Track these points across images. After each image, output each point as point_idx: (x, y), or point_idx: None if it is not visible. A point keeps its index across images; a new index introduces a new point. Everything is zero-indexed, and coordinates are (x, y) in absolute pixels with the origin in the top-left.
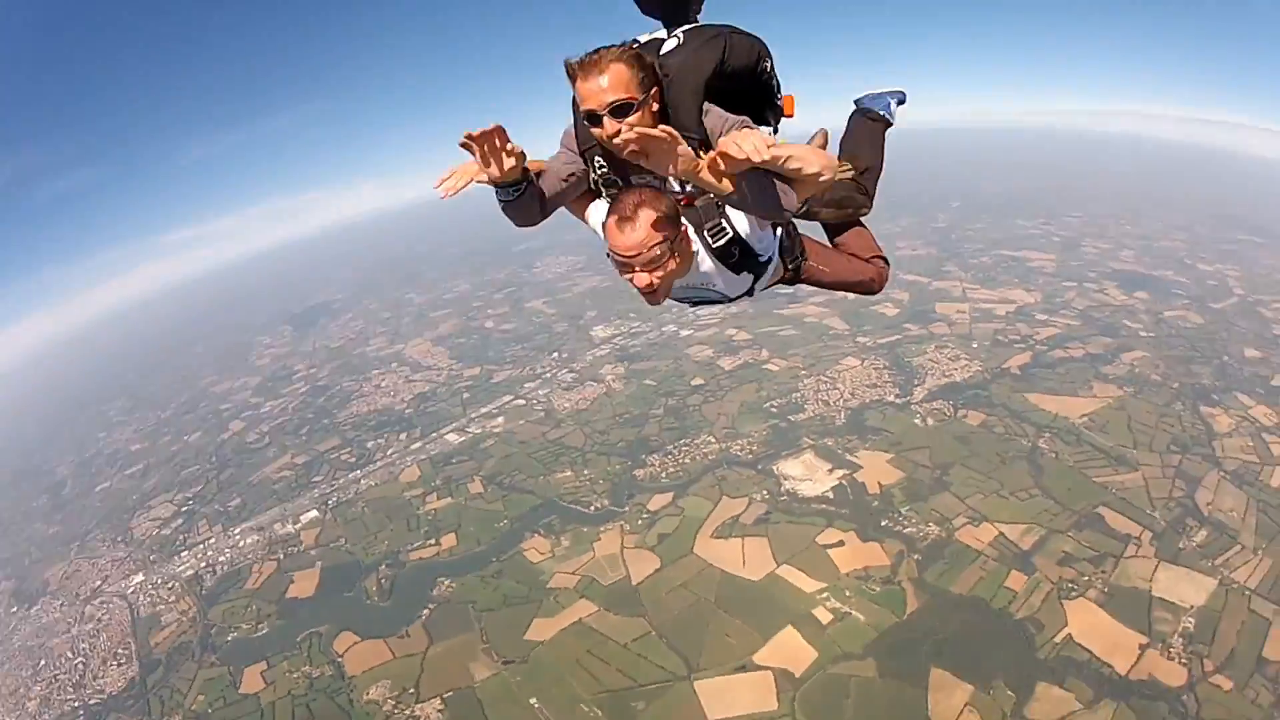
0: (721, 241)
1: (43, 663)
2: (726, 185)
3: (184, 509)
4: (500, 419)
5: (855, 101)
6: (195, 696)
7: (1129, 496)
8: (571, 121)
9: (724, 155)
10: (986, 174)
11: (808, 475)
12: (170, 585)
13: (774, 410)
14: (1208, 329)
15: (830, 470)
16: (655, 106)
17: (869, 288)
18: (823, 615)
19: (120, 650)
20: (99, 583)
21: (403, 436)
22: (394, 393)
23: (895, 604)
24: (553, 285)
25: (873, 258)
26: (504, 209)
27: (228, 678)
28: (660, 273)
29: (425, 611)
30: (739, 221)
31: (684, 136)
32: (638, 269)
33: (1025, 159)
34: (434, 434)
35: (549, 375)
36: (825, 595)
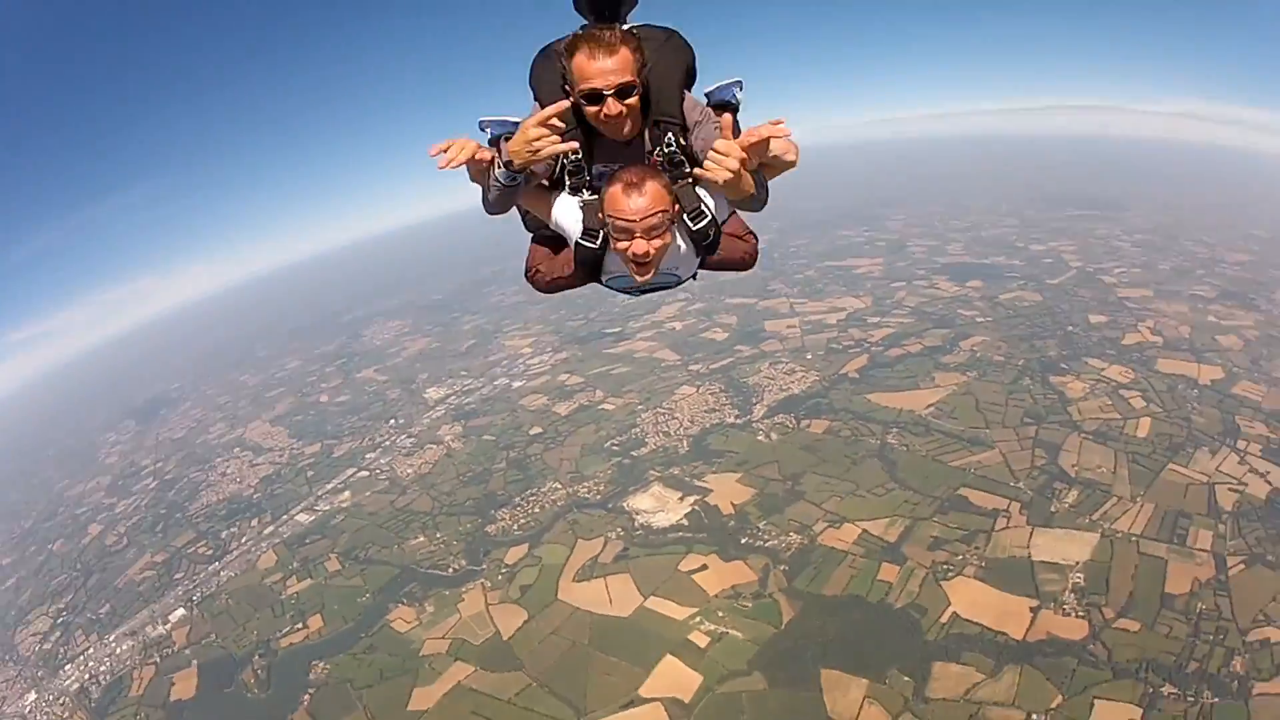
0: (701, 223)
1: None
2: (750, 186)
3: (59, 620)
4: (346, 493)
5: (707, 95)
6: None
7: (989, 474)
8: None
9: (758, 156)
10: (804, 193)
11: (659, 507)
12: (62, 701)
13: (616, 448)
14: (1047, 304)
15: (681, 498)
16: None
17: (747, 263)
18: (700, 639)
19: None
20: None
21: (254, 523)
22: (240, 479)
23: (771, 616)
24: (382, 352)
25: (746, 234)
26: (496, 196)
27: None
28: (659, 242)
29: (306, 697)
30: (713, 204)
31: (667, 122)
32: (639, 235)
33: (842, 175)
34: (284, 516)
35: (388, 443)
36: (698, 620)
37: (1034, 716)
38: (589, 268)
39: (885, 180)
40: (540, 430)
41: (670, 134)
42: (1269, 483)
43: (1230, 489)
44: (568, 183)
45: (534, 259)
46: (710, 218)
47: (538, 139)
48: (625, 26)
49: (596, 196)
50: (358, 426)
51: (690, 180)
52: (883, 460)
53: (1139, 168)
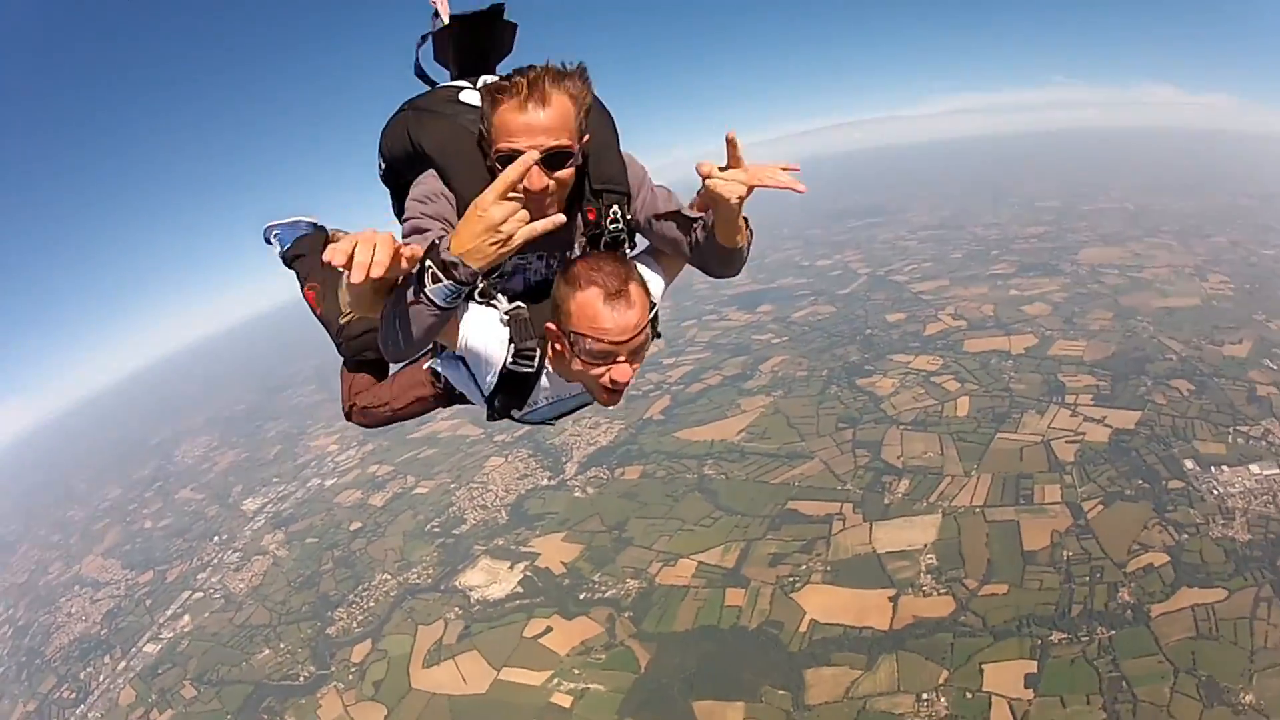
0: (649, 317)
1: None
2: (743, 230)
3: None
4: (186, 617)
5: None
6: None
7: (814, 483)
8: (430, 187)
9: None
10: None
11: (491, 579)
12: None
13: (437, 530)
14: (842, 313)
15: (510, 567)
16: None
17: None
18: (563, 700)
19: None
20: None
21: (107, 660)
22: (85, 617)
23: (628, 663)
24: (195, 469)
25: None
26: (424, 326)
27: None
28: (639, 362)
29: None
30: (656, 289)
31: (609, 191)
32: (624, 358)
33: None
34: (133, 649)
35: (216, 560)
36: (556, 682)
37: (924, 696)
38: (512, 406)
39: None
40: (360, 525)
41: (615, 207)
42: (1108, 425)
43: (1068, 441)
44: (478, 285)
45: (351, 389)
46: (656, 309)
47: (505, 220)
48: (494, 78)
49: (519, 306)
50: (184, 549)
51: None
52: (703, 492)
53: (913, 171)
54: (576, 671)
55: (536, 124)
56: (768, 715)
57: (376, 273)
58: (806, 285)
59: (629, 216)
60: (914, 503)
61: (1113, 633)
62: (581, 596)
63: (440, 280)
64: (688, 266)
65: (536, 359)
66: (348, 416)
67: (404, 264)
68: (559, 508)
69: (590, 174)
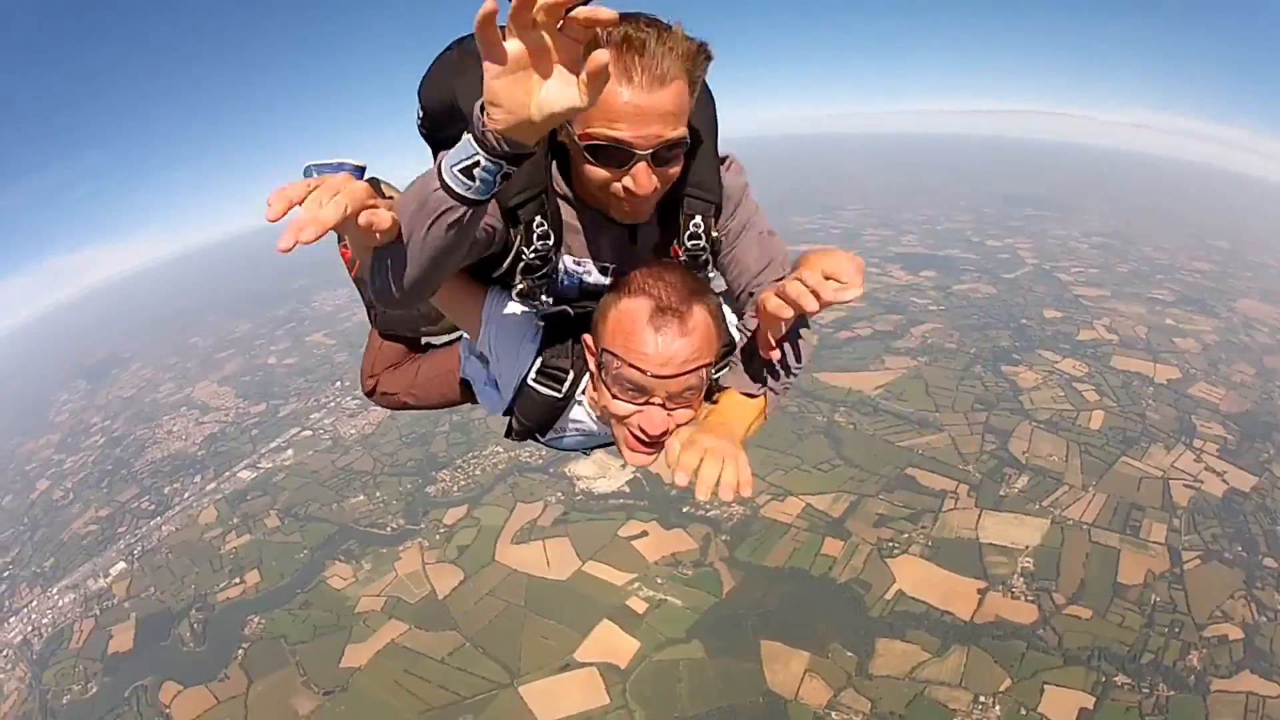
0: (721, 371)
1: None
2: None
3: (5, 574)
4: (289, 451)
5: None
6: None
7: (938, 455)
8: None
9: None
10: (761, 179)
11: (600, 473)
12: (4, 653)
13: None
14: (1001, 297)
15: (623, 465)
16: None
17: None
18: (638, 605)
19: None
20: None
21: (197, 479)
22: (185, 436)
23: (711, 585)
24: (332, 317)
25: None
26: (443, 243)
27: None
28: (689, 413)
29: (240, 652)
30: (734, 329)
31: (697, 198)
32: (661, 401)
33: (800, 164)
34: (227, 473)
35: (333, 404)
36: (636, 585)
37: (981, 698)
38: (532, 430)
39: (845, 172)
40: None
41: (699, 216)
42: (1225, 482)
43: (1185, 485)
44: (518, 281)
45: (376, 363)
46: (728, 362)
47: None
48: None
49: (563, 310)
50: (303, 388)
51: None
52: (829, 437)
53: (1097, 174)
54: (659, 581)
55: (650, 108)
56: (830, 673)
57: (306, 237)
58: (973, 261)
59: (714, 234)
60: (1028, 501)
61: (1171, 694)
62: (684, 510)
63: (477, 153)
64: None
65: (566, 384)
66: (364, 388)
67: (369, 231)
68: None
69: (687, 178)
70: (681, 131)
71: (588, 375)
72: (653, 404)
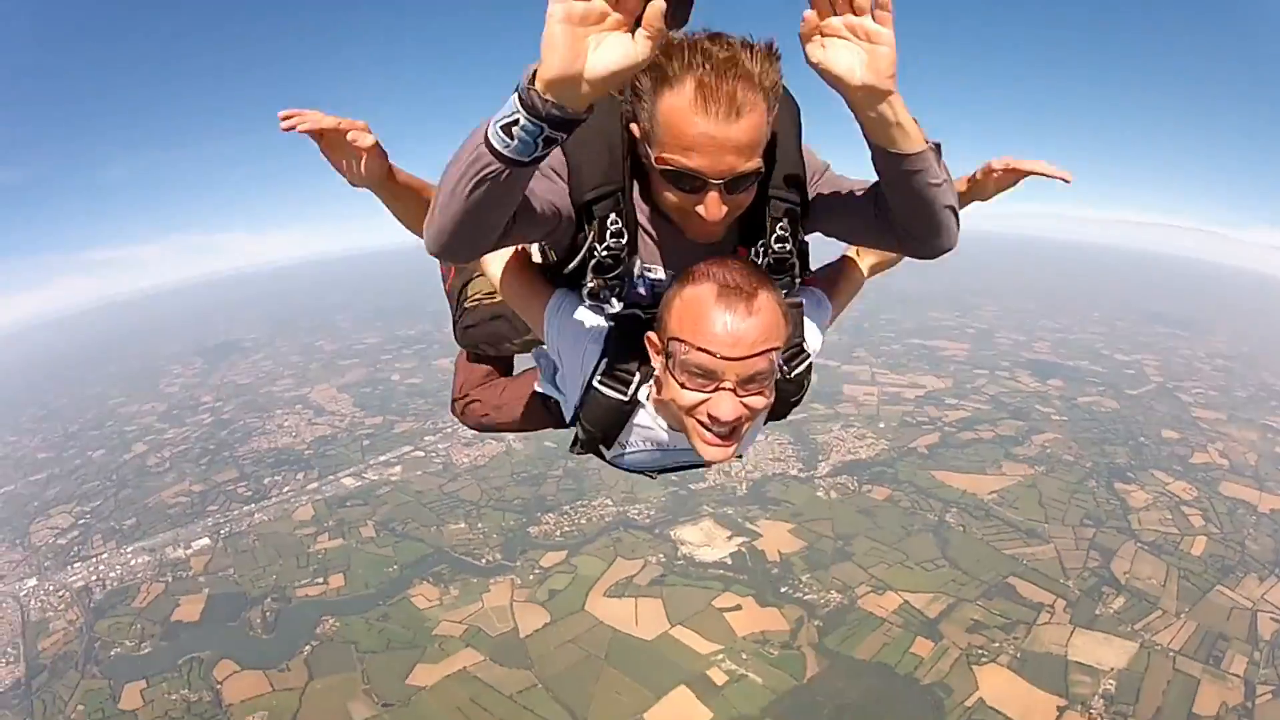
0: (800, 368)
1: None
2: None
3: (81, 521)
4: (398, 468)
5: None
6: (75, 706)
7: (1040, 567)
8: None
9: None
10: (900, 271)
11: (705, 541)
12: (61, 593)
13: (674, 478)
14: (1123, 413)
15: (729, 537)
16: None
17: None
18: (717, 676)
19: (9, 650)
20: None
21: (300, 476)
22: (295, 433)
23: (794, 668)
24: (453, 349)
25: None
26: (490, 188)
27: (108, 691)
28: (758, 401)
29: (307, 648)
30: (814, 335)
31: (782, 200)
32: (730, 384)
33: (942, 260)
34: (331, 476)
35: (450, 430)
36: (720, 657)
37: None
38: (598, 440)
39: (983, 270)
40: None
41: (785, 220)
42: None
43: (1273, 618)
44: (588, 282)
45: (465, 383)
46: (809, 361)
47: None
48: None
49: (634, 313)
50: (423, 410)
51: (798, 299)
52: (937, 536)
53: (1232, 294)
54: (744, 656)
55: (725, 140)
56: None
57: (300, 123)
58: (1100, 374)
59: (800, 237)
60: (1120, 623)
61: None
62: (782, 589)
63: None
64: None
65: (633, 385)
66: (453, 408)
67: (358, 142)
68: (797, 500)
69: (770, 177)
70: (756, 164)
71: (653, 380)
72: (723, 389)
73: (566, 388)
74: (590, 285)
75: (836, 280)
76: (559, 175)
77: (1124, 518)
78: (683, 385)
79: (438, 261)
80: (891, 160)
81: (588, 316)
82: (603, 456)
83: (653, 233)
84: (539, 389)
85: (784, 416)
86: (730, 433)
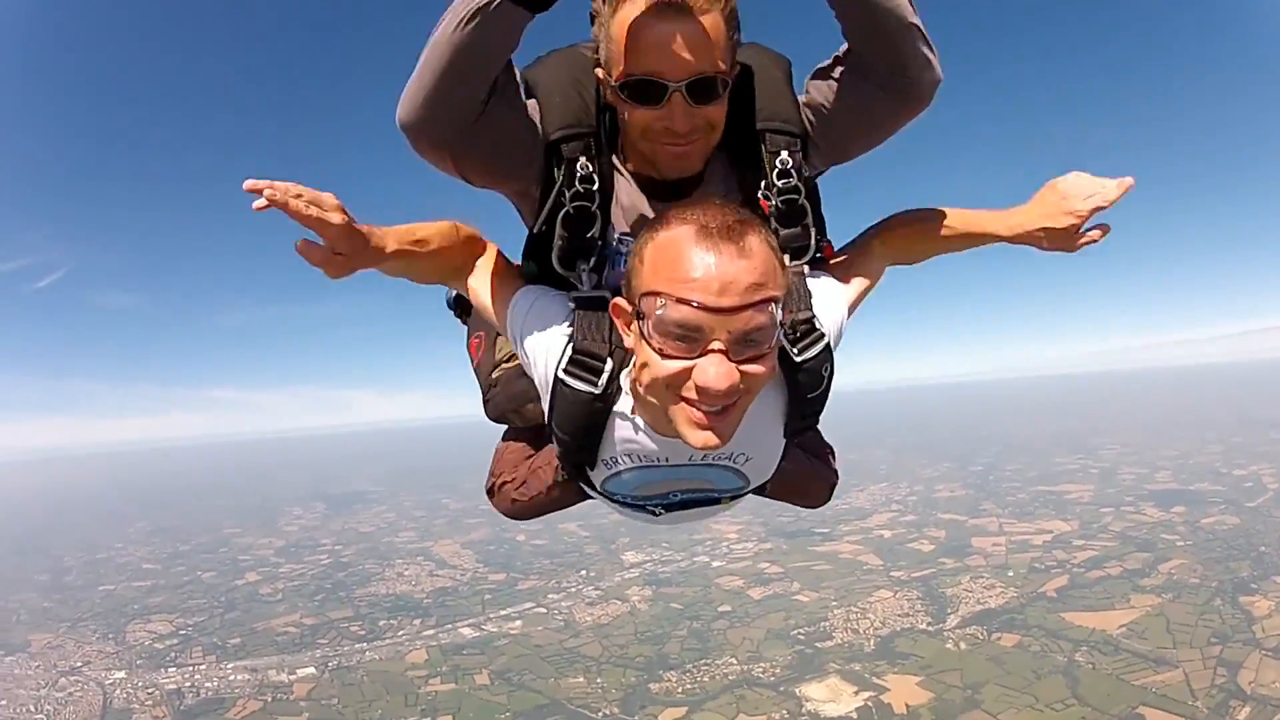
0: (813, 350)
1: (4, 702)
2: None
3: (181, 632)
4: (519, 622)
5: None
6: None
7: (1170, 693)
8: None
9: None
10: (1022, 419)
11: (831, 697)
12: (150, 691)
13: (800, 637)
14: (1244, 527)
15: (855, 692)
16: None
17: (821, 498)
18: None
19: None
20: (80, 664)
21: (416, 622)
22: (415, 582)
23: None
24: (587, 511)
25: (828, 455)
26: (472, 23)
27: None
28: (758, 369)
29: None
30: (830, 314)
31: (778, 131)
32: (721, 341)
33: (1060, 402)
34: (449, 625)
35: (574, 590)
36: None
37: None
38: (575, 453)
39: (1103, 410)
40: (729, 609)
41: (785, 151)
42: None
43: None
44: (556, 242)
45: (501, 462)
46: (825, 343)
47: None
48: None
49: (601, 294)
50: (548, 569)
51: (813, 251)
52: (1067, 677)
53: None
54: None
55: (680, 36)
56: None
57: (267, 192)
58: (1220, 493)
59: (806, 175)
60: None
61: None
62: None
63: None
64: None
65: (604, 374)
66: (489, 493)
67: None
68: (926, 653)
69: (756, 109)
70: (719, 66)
71: (629, 371)
72: (711, 351)
73: (540, 389)
74: (559, 245)
75: (853, 261)
76: (530, 117)
77: (1248, 629)
78: (660, 352)
79: (465, 346)
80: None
81: (554, 303)
82: (593, 486)
83: (637, 204)
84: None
85: (806, 426)
86: (722, 411)
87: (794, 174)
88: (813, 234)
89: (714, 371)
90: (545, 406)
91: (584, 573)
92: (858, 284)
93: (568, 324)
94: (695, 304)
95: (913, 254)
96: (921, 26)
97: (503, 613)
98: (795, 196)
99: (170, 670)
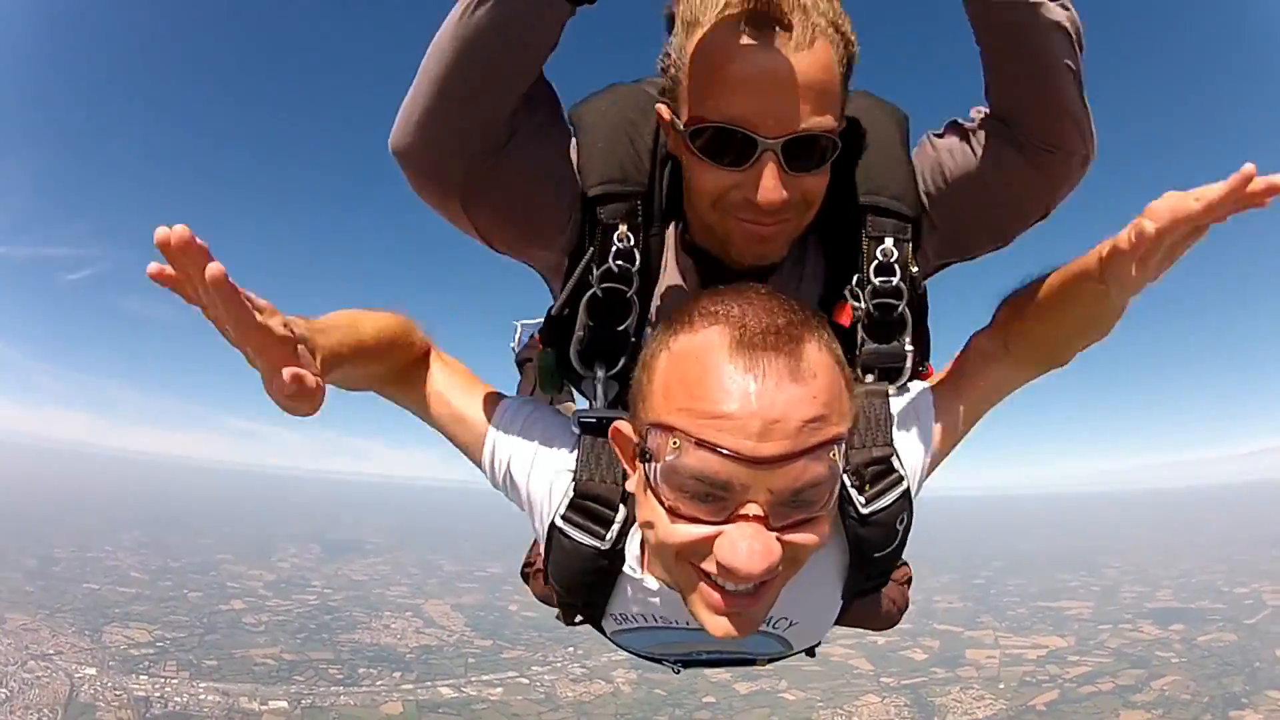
0: (885, 500)
1: None
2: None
3: (159, 643)
4: (499, 689)
5: None
6: None
7: None
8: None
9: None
10: (1028, 536)
11: None
12: (118, 693)
13: None
14: (1240, 644)
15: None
16: None
17: (892, 621)
18: None
19: (47, 713)
20: (52, 652)
21: (396, 675)
22: (400, 635)
23: None
24: None
25: (903, 575)
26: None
27: None
28: (811, 538)
29: None
30: (915, 450)
31: (881, 211)
32: (766, 512)
33: (1067, 520)
34: (428, 682)
35: (559, 664)
36: None
37: None
38: (577, 609)
39: (1110, 530)
40: (714, 700)
41: (890, 239)
42: None
43: None
44: (579, 324)
45: (535, 548)
46: (903, 490)
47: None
48: None
49: (615, 415)
50: (535, 641)
51: (908, 377)
52: None
53: None
54: None
55: (781, 73)
56: None
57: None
58: (1220, 610)
59: (916, 271)
60: None
61: None
62: None
63: None
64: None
65: (614, 526)
66: (524, 575)
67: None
68: None
69: (859, 184)
70: (829, 121)
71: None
72: (742, 519)
73: (534, 528)
74: (579, 337)
75: (962, 369)
76: (561, 179)
77: None
78: (671, 510)
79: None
80: (1010, 8)
81: (553, 423)
82: (602, 631)
83: (682, 274)
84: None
85: (873, 587)
86: (753, 592)
87: (896, 270)
88: (909, 355)
89: (745, 549)
90: (541, 551)
91: (572, 649)
92: (966, 406)
93: (569, 452)
94: (725, 452)
95: (1040, 337)
96: (1079, 71)
97: (485, 678)
98: (895, 302)
99: (142, 678)
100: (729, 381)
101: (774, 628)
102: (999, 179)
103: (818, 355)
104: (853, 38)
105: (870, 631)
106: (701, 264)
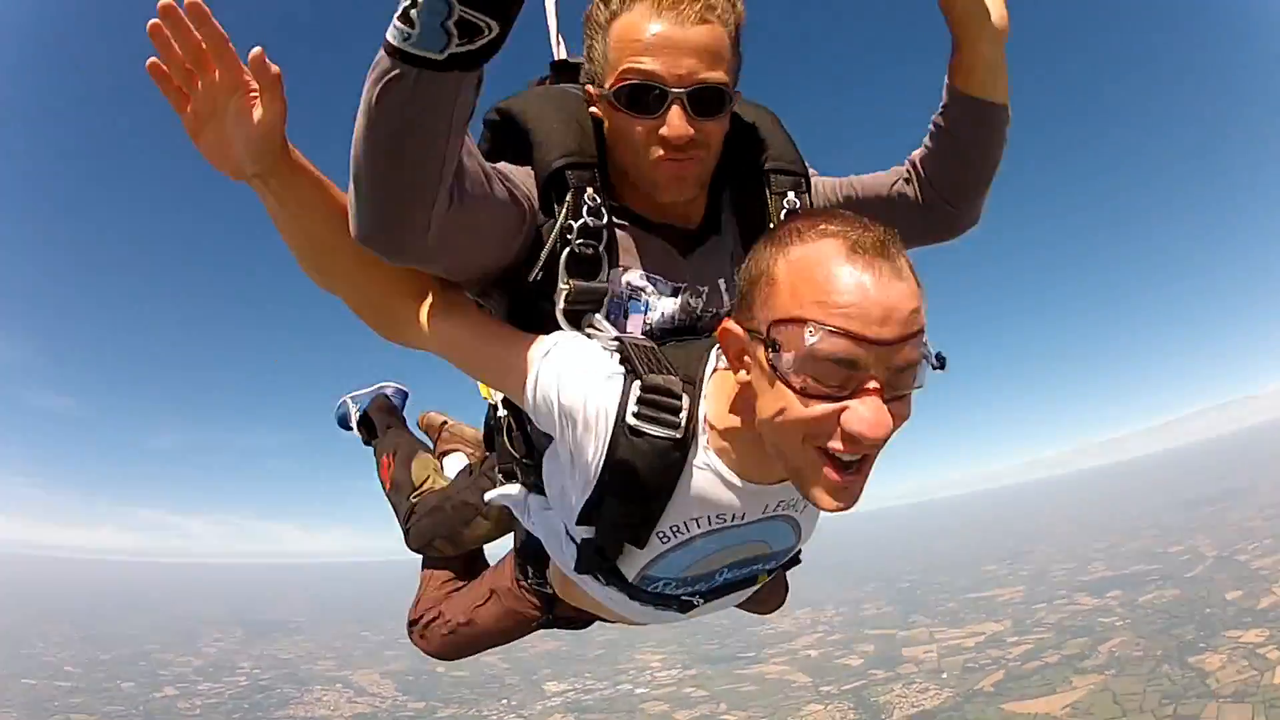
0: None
1: None
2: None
3: None
4: None
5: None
6: None
7: None
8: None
9: None
10: (946, 538)
11: None
12: None
13: None
14: (1186, 595)
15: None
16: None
17: (774, 607)
18: None
19: None
20: None
21: None
22: (333, 708)
23: None
24: (509, 648)
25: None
26: (385, 99)
27: None
28: (906, 413)
29: None
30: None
31: (783, 171)
32: (877, 383)
33: (985, 518)
34: None
35: (495, 718)
36: None
37: None
38: (629, 530)
39: (1033, 518)
40: None
41: (792, 193)
42: None
43: None
44: (562, 284)
45: (425, 597)
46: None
47: None
48: None
49: (635, 338)
50: (468, 698)
51: None
52: None
53: (1262, 452)
54: None
55: (684, 40)
56: None
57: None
58: (1156, 570)
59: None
60: None
61: None
62: None
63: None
64: None
65: (683, 414)
66: (413, 631)
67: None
68: None
69: (765, 150)
70: (722, 76)
71: (704, 408)
72: (865, 392)
73: (574, 470)
74: (564, 293)
75: None
76: (517, 183)
77: (1202, 684)
78: (802, 392)
79: (376, 473)
80: (986, 111)
81: (583, 342)
82: (624, 580)
83: (632, 245)
84: (529, 528)
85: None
86: (860, 467)
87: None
88: None
89: (872, 416)
90: (589, 480)
91: (505, 701)
92: None
93: (614, 364)
94: (857, 336)
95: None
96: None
97: None
98: None
99: None
100: (851, 279)
101: (793, 508)
102: (895, 205)
103: (906, 260)
104: (741, 9)
105: (762, 617)
106: (638, 222)
